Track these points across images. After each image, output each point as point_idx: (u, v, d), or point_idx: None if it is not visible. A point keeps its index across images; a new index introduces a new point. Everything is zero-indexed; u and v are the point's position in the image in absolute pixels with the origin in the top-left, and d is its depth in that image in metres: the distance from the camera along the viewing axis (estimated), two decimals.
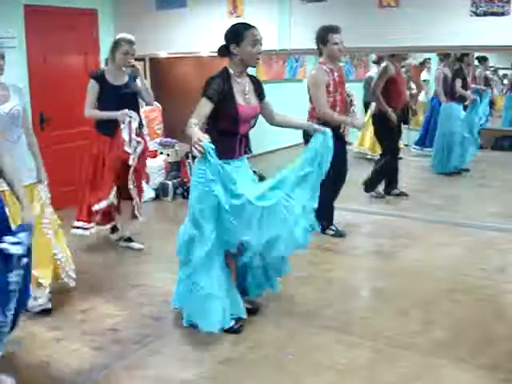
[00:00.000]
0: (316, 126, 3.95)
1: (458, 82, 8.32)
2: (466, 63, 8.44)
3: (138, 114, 5.19)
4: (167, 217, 5.87)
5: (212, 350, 3.55)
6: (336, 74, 5.30)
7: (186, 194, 7.12)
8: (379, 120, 6.91)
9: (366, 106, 9.47)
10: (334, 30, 5.18)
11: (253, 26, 3.71)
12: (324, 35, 5.19)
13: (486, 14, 5.35)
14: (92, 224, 5.17)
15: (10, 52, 6.17)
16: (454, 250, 5.34)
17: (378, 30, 5.84)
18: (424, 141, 10.00)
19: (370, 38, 5.91)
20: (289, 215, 3.67)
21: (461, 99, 8.46)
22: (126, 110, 4.94)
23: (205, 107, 3.59)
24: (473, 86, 9.16)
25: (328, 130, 3.89)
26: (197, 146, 3.31)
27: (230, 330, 3.73)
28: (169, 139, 7.65)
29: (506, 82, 12.14)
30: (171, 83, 7.78)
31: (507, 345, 3.58)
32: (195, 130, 3.41)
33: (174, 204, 6.92)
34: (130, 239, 5.51)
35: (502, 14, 5.29)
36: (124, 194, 5.28)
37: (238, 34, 3.66)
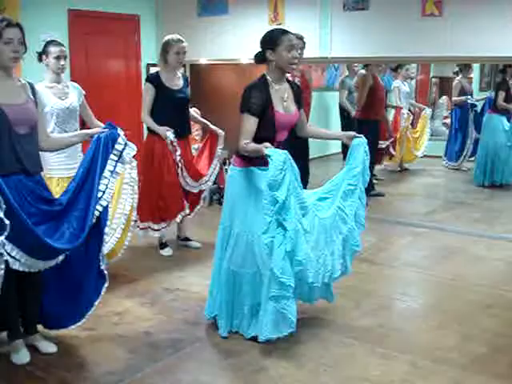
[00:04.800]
0: (351, 134, 3.87)
1: (501, 95, 8.25)
2: (510, 74, 8.30)
3: (188, 119, 5.33)
4: (203, 222, 5.87)
5: (246, 358, 3.53)
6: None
7: (222, 201, 7.11)
8: (362, 126, 6.99)
9: None
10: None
11: (288, 31, 3.66)
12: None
13: None
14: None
15: None
16: (494, 264, 5.24)
17: (420, 39, 5.78)
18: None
19: (412, 48, 5.86)
20: (343, 226, 3.70)
21: (504, 111, 8.32)
22: (166, 130, 4.99)
23: (250, 124, 3.55)
24: None
25: (363, 138, 3.84)
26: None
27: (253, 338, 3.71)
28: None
29: None
30: (211, 90, 7.81)
31: None
32: (251, 145, 3.45)
33: (210, 210, 6.91)
34: (187, 239, 5.68)
35: None
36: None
37: (273, 39, 3.61)
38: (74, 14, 6.50)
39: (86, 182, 3.36)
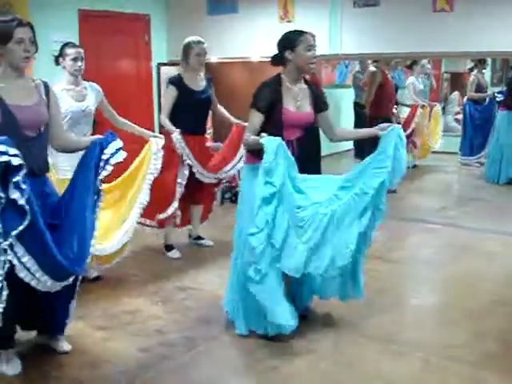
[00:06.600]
0: (384, 125, 3.74)
1: None
2: None
3: (206, 119, 5.39)
4: (215, 221, 5.87)
5: (259, 357, 3.52)
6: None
7: (234, 199, 7.13)
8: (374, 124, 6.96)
9: None
10: None
11: (306, 32, 3.70)
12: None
13: None
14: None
15: None
16: (507, 261, 5.20)
17: (431, 35, 5.76)
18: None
19: (423, 44, 5.84)
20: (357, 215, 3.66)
21: None
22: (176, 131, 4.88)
23: (256, 120, 3.63)
24: None
25: (397, 126, 3.74)
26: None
27: (266, 336, 3.69)
28: (218, 143, 7.63)
29: None
30: (221, 88, 7.77)
31: None
32: (252, 137, 3.53)
33: (222, 208, 6.92)
34: (199, 237, 5.69)
35: None
36: (194, 199, 5.39)
37: (292, 39, 3.66)
38: (84, 14, 6.52)
39: (80, 188, 3.23)
